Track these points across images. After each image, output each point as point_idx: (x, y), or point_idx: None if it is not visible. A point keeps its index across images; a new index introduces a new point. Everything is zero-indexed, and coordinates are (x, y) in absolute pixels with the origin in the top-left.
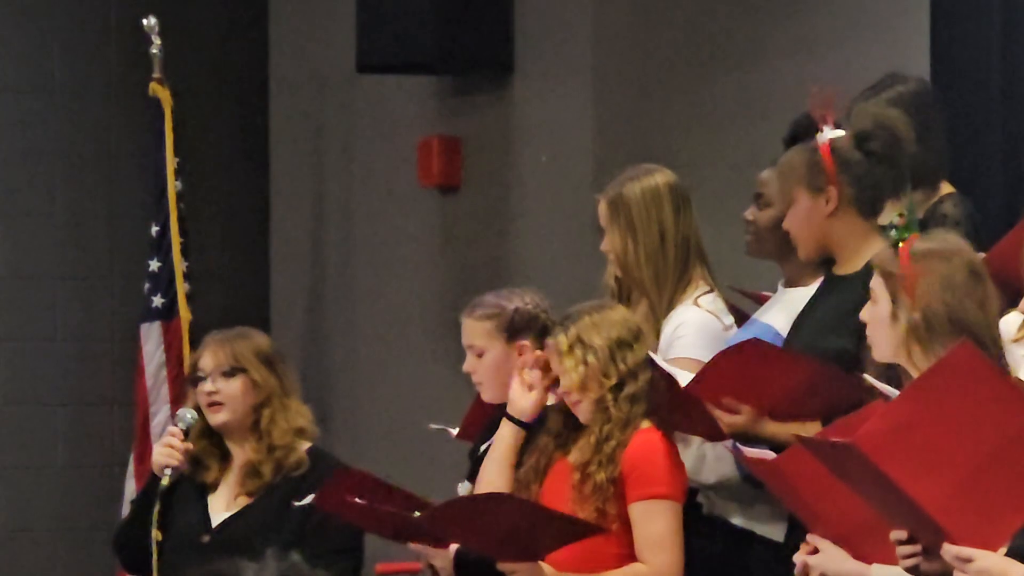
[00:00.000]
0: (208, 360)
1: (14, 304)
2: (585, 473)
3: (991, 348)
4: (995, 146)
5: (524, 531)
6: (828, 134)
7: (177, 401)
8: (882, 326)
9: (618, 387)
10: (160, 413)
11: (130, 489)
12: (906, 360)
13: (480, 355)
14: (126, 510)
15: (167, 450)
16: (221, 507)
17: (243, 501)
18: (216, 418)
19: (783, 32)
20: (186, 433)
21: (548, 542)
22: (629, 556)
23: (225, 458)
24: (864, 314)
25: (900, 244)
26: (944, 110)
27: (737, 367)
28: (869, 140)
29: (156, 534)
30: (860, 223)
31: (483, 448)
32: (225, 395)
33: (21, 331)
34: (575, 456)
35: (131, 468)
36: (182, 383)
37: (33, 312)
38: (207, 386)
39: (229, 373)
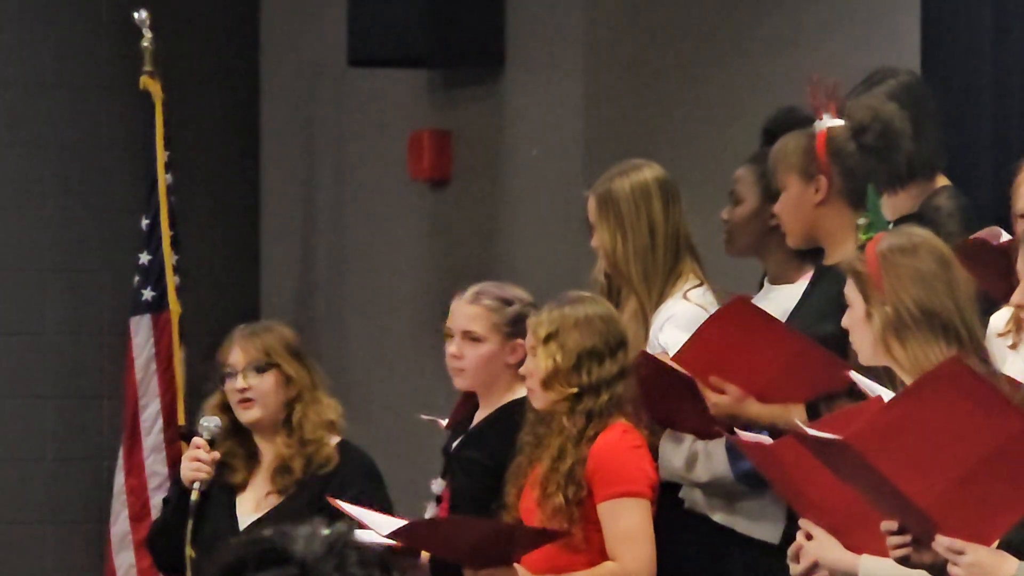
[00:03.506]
0: (238, 356)
1: (3, 297)
2: (545, 493)
3: (962, 333)
4: (986, 139)
5: (492, 543)
6: (826, 123)
7: (167, 394)
8: (860, 328)
9: (577, 397)
10: (150, 407)
11: (119, 483)
12: (888, 358)
13: (475, 341)
14: (116, 503)
15: (195, 464)
16: (250, 508)
17: (273, 500)
18: (248, 415)
19: (774, 26)
20: (211, 443)
21: (518, 549)
22: (602, 556)
23: (252, 456)
24: (845, 321)
25: (866, 244)
26: (935, 103)
27: (723, 335)
28: (865, 133)
29: (189, 551)
30: (849, 215)
31: (455, 445)
32: (258, 392)
33: (10, 324)
34: (539, 467)
35: (120, 461)
36: (172, 376)
37: (23, 305)
38: (238, 383)
39: (261, 369)
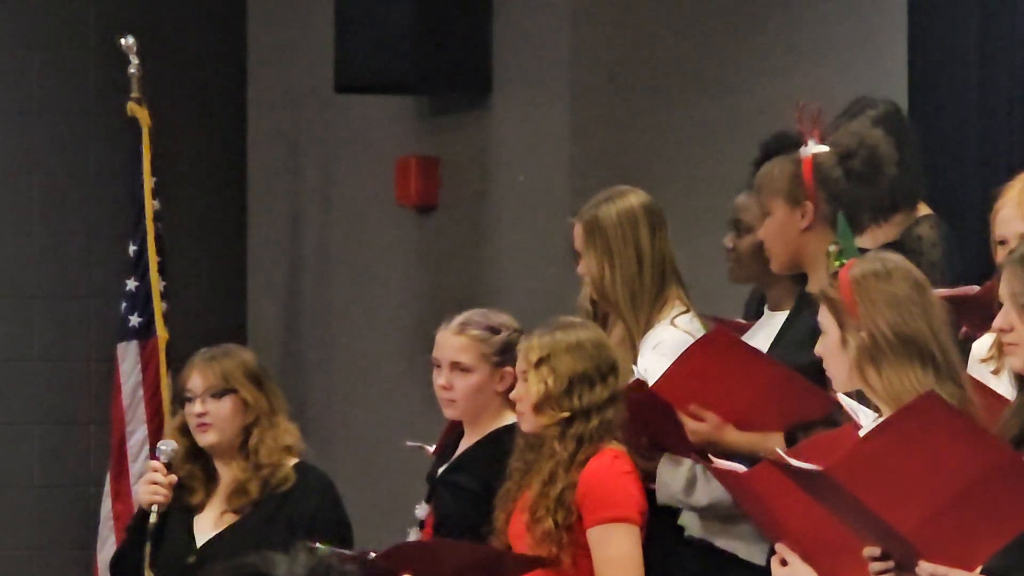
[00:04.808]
0: (197, 381)
1: None
2: (535, 518)
3: (938, 357)
4: (972, 164)
5: (480, 569)
6: (812, 148)
7: (154, 420)
8: (835, 355)
9: (568, 422)
10: (137, 433)
11: (106, 509)
12: (863, 384)
13: (464, 372)
14: (103, 529)
15: (152, 487)
16: (208, 527)
17: (229, 519)
18: (205, 439)
19: (761, 53)
20: (168, 466)
21: (507, 573)
22: None
23: (211, 479)
24: (818, 348)
25: (839, 270)
26: (921, 130)
27: (703, 363)
28: (851, 158)
29: (148, 574)
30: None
31: (440, 471)
32: (214, 416)
33: None
34: (528, 493)
35: (107, 488)
36: (160, 403)
37: (10, 331)
38: (196, 407)
39: (219, 394)
